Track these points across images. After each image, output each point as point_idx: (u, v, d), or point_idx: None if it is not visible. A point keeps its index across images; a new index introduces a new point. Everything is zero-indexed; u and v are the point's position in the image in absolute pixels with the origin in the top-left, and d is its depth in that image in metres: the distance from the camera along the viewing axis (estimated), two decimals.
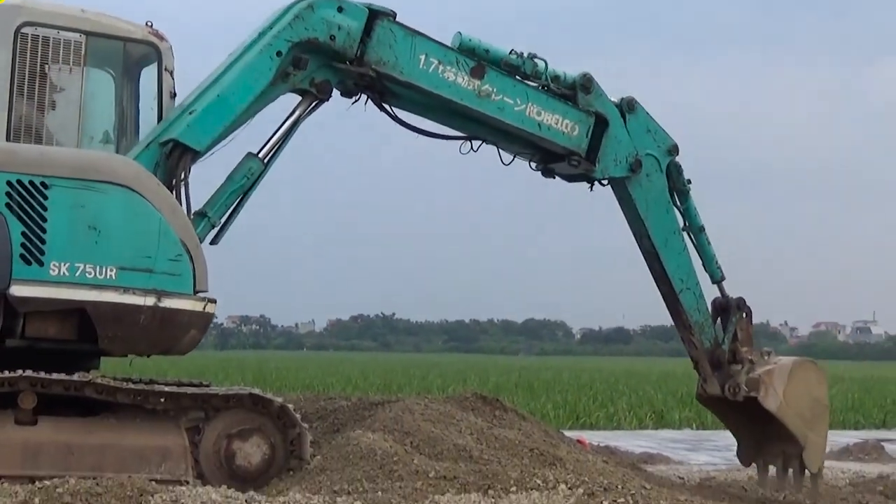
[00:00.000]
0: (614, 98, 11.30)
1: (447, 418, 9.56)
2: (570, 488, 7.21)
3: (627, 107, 11.27)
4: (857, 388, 38.67)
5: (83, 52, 9.00)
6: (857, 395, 33.71)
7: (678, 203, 11.58)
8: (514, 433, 9.65)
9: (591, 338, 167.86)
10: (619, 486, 7.37)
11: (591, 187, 11.51)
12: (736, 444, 12.27)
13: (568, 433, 13.67)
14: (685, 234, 11.67)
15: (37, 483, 6.84)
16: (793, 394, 11.22)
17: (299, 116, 9.80)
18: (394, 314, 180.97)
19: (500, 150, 11.08)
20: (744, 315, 11.84)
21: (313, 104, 9.86)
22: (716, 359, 11.50)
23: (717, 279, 11.90)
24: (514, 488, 7.19)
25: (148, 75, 9.66)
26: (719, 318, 11.83)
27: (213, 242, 9.43)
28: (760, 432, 11.61)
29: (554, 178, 11.51)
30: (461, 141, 10.91)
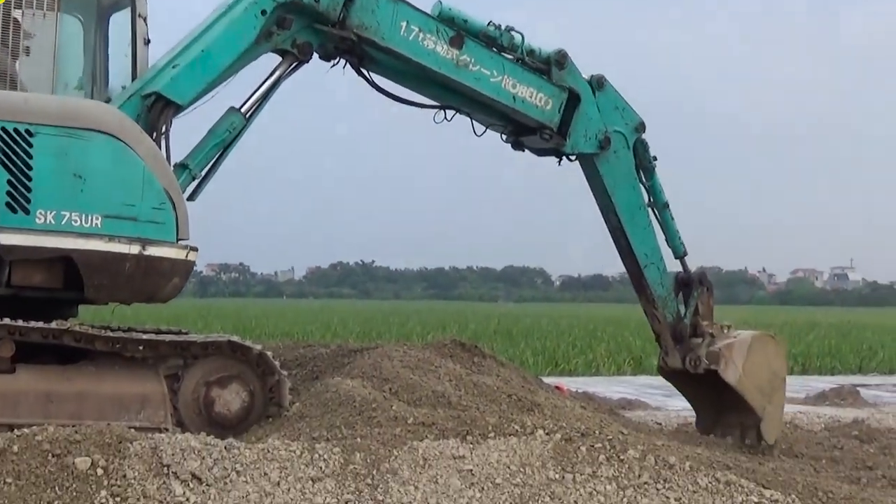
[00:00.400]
0: (585, 75, 11.35)
1: (426, 365, 9.59)
2: (547, 434, 7.25)
3: (597, 84, 11.38)
4: (834, 334, 38.93)
5: None
6: (833, 341, 33.93)
7: (644, 179, 11.73)
8: (492, 380, 9.69)
9: (570, 285, 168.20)
10: (597, 432, 7.42)
11: (560, 161, 11.61)
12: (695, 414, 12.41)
13: (546, 380, 13.74)
14: (650, 210, 11.75)
15: (15, 431, 6.83)
16: (752, 366, 11.35)
17: (280, 76, 9.82)
18: (373, 262, 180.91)
19: (474, 121, 11.16)
20: (705, 290, 11.98)
21: (293, 65, 9.87)
22: (678, 332, 11.62)
23: (680, 254, 12.03)
24: (492, 434, 7.22)
25: (118, 21, 9.59)
26: (681, 293, 11.91)
27: (190, 199, 9.41)
28: (719, 404, 11.73)
29: (524, 150, 11.63)
30: (435, 110, 10.95)
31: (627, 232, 11.53)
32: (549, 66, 10.97)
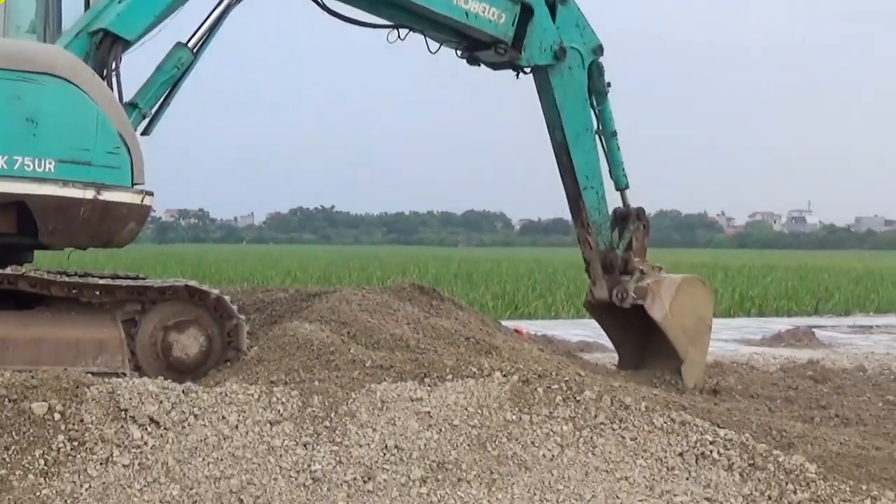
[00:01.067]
0: None
1: (384, 308, 9.62)
2: (504, 376, 7.29)
3: None
4: (791, 276, 39.31)
5: None
6: (790, 283, 34.28)
7: (595, 104, 11.73)
8: (450, 323, 9.73)
9: (530, 229, 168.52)
10: (554, 374, 7.46)
11: (518, 75, 11.60)
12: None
13: (506, 323, 13.82)
14: (597, 137, 11.77)
15: None
16: (679, 307, 11.36)
17: (227, 6, 9.70)
18: (333, 207, 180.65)
19: (427, 39, 11.11)
20: (642, 226, 11.99)
21: None
22: (608, 262, 11.68)
23: (622, 186, 12.07)
24: (449, 376, 7.25)
25: None
26: (617, 228, 11.97)
27: (144, 133, 9.35)
28: (642, 344, 11.76)
29: (479, 66, 11.60)
30: (389, 30, 10.91)
31: (571, 151, 11.53)
32: None
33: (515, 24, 11.04)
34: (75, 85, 8.26)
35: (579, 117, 11.60)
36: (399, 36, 10.99)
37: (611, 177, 12.03)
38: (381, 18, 10.85)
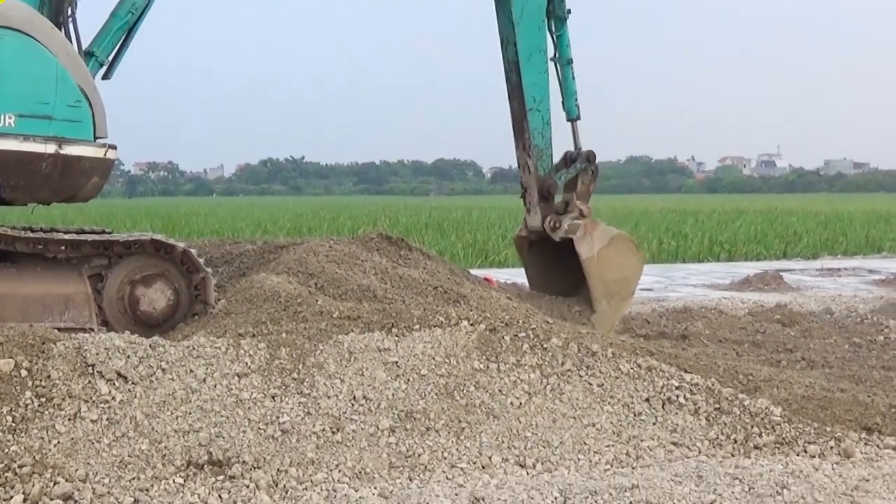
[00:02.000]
0: None
1: (352, 259, 9.60)
2: (472, 324, 7.31)
3: None
4: (760, 220, 39.50)
5: None
6: (759, 227, 34.45)
7: (553, 29, 11.62)
8: (418, 272, 9.72)
9: (501, 177, 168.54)
10: (521, 321, 7.49)
11: None
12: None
13: (477, 272, 13.83)
14: (552, 63, 11.69)
15: None
16: (606, 257, 11.29)
17: None
18: (303, 157, 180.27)
19: None
20: (590, 171, 11.88)
21: None
22: (546, 188, 11.56)
23: (574, 116, 11.96)
24: (417, 326, 7.26)
25: None
26: (565, 169, 11.87)
27: (105, 77, 9.26)
28: (561, 287, 11.71)
29: None
30: None
31: (521, 70, 11.41)
32: None
33: None
34: (33, 38, 8.16)
35: (534, 36, 11.49)
36: None
37: (563, 107, 11.93)
38: None
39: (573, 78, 11.86)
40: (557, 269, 11.59)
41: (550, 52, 11.66)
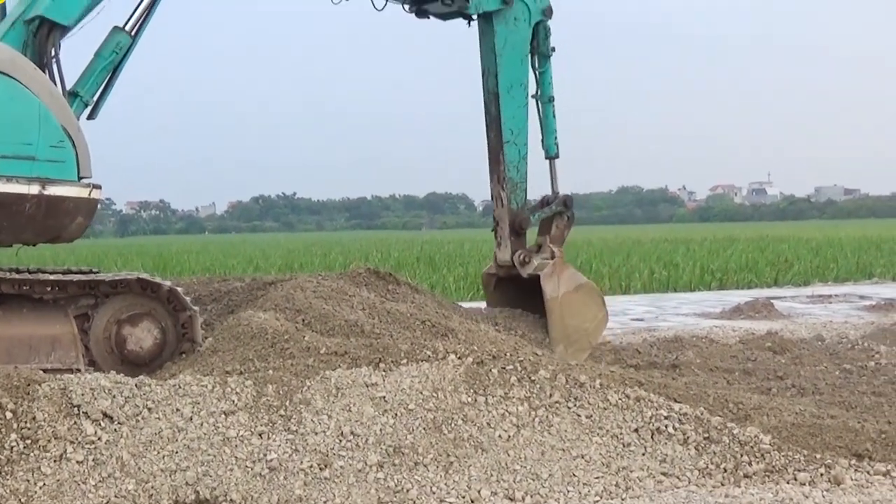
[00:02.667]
0: None
1: (339, 294, 9.58)
2: (459, 358, 7.29)
3: None
4: (752, 248, 39.53)
5: None
6: (750, 255, 34.47)
7: (536, 65, 11.63)
8: (406, 306, 9.71)
9: (492, 209, 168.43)
10: (508, 354, 7.47)
11: (469, 23, 11.56)
12: None
13: (469, 305, 13.80)
14: (533, 101, 11.70)
15: None
16: (570, 302, 11.21)
17: None
18: (295, 193, 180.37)
19: None
20: (566, 217, 11.84)
21: None
22: (518, 223, 11.50)
23: (552, 154, 11.92)
24: (404, 360, 7.24)
25: None
26: (540, 211, 11.81)
27: (90, 118, 9.27)
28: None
29: (428, 17, 11.51)
30: None
31: (501, 101, 11.40)
32: None
33: None
34: (15, 79, 8.16)
35: (515, 69, 11.49)
36: None
37: (542, 145, 11.87)
38: None
39: (554, 116, 11.85)
40: (522, 309, 11.51)
41: (532, 88, 11.68)
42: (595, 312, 11.48)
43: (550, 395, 7.06)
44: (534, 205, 11.79)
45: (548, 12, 11.61)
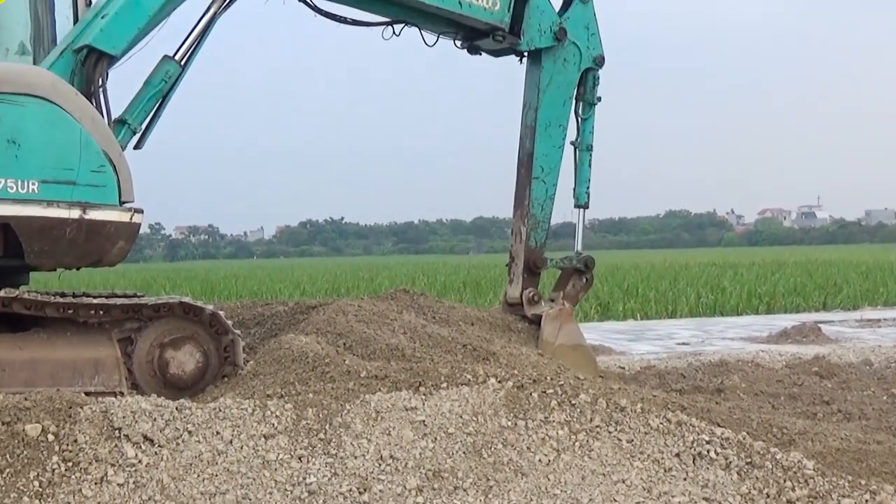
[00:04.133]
0: None
1: (381, 318, 9.60)
2: (499, 382, 7.27)
3: None
4: (800, 272, 39.18)
5: None
6: (799, 279, 34.16)
7: (580, 112, 11.65)
8: (447, 330, 9.70)
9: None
10: (549, 378, 7.44)
11: (521, 60, 11.56)
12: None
13: None
14: (572, 146, 11.68)
15: None
16: (562, 355, 10.99)
17: (213, 15, 9.68)
18: (342, 218, 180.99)
19: (423, 33, 11.06)
20: (584, 279, 11.83)
21: (227, 1, 9.74)
22: (533, 261, 11.52)
23: (582, 203, 11.92)
24: (444, 384, 7.24)
25: None
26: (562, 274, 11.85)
27: (136, 147, 9.37)
28: None
29: (480, 54, 11.53)
30: (383, 27, 10.87)
31: (536, 137, 11.40)
32: None
33: (511, 8, 10.96)
34: (57, 104, 8.25)
35: (557, 109, 11.50)
36: (394, 32, 10.94)
37: (573, 193, 11.93)
38: (374, 14, 10.83)
39: (589, 165, 11.85)
40: None
41: (572, 134, 11.68)
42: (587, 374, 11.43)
43: (591, 420, 7.02)
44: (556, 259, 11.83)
45: (599, 61, 11.60)
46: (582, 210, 11.97)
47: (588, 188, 11.86)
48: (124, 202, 8.54)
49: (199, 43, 9.64)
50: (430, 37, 11.14)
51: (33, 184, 8.15)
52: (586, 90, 11.66)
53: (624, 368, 13.47)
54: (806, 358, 13.90)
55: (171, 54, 9.48)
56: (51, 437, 6.41)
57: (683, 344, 17.59)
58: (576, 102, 11.65)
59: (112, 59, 9.08)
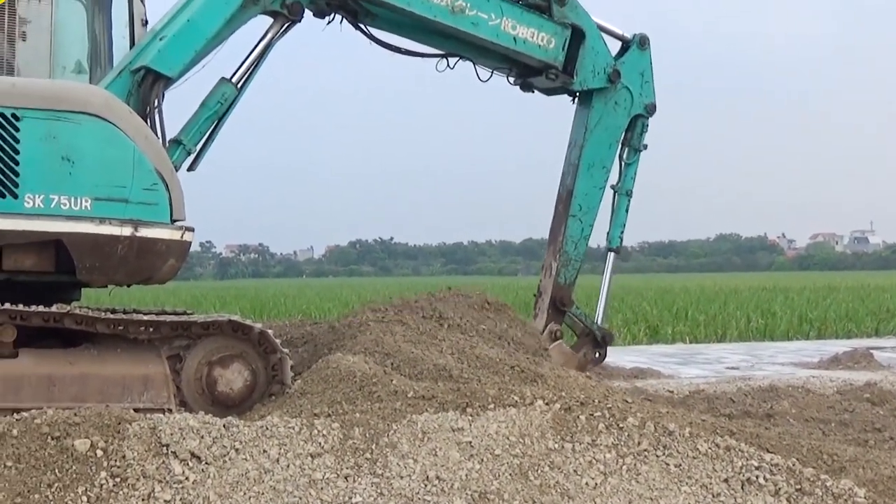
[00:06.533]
0: (628, 34, 11.55)
1: (428, 339, 9.59)
2: (547, 404, 7.24)
3: (640, 42, 11.51)
4: (851, 297, 38.80)
5: None
6: (851, 304, 33.83)
7: (625, 156, 11.73)
8: (495, 352, 9.68)
9: (589, 255, 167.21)
10: (597, 401, 7.41)
11: (574, 100, 11.58)
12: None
13: None
14: (612, 192, 11.77)
15: (14, 415, 6.86)
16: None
17: (271, 39, 9.76)
18: (392, 238, 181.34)
19: (477, 67, 11.09)
20: (597, 353, 11.98)
21: (285, 26, 9.80)
22: (560, 298, 11.58)
23: (614, 247, 12.07)
24: (491, 405, 7.22)
25: (120, 3, 9.59)
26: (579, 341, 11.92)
27: (190, 169, 9.44)
28: None
29: (533, 91, 11.59)
30: (438, 59, 10.90)
31: (578, 176, 11.47)
32: (549, 4, 10.89)
33: (566, 48, 10.98)
34: (111, 122, 8.33)
35: (602, 150, 11.56)
36: (448, 64, 10.98)
37: (607, 236, 12.05)
38: (429, 47, 10.86)
39: (626, 211, 11.97)
40: None
41: (613, 178, 11.73)
42: None
43: (639, 443, 6.98)
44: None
45: (650, 108, 11.67)
46: (613, 254, 12.01)
47: (622, 233, 12.00)
48: (176, 220, 8.60)
49: (256, 66, 9.71)
50: (484, 72, 11.21)
51: (86, 201, 8.23)
52: (634, 136, 11.73)
53: (672, 392, 13.37)
54: (857, 384, 13.74)
55: (229, 77, 9.55)
56: (99, 453, 6.46)
57: (733, 368, 17.46)
58: (621, 147, 11.71)
59: (168, 81, 9.17)
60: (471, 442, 6.86)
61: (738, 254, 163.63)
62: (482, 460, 6.75)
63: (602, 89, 11.31)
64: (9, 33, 8.87)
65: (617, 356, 18.61)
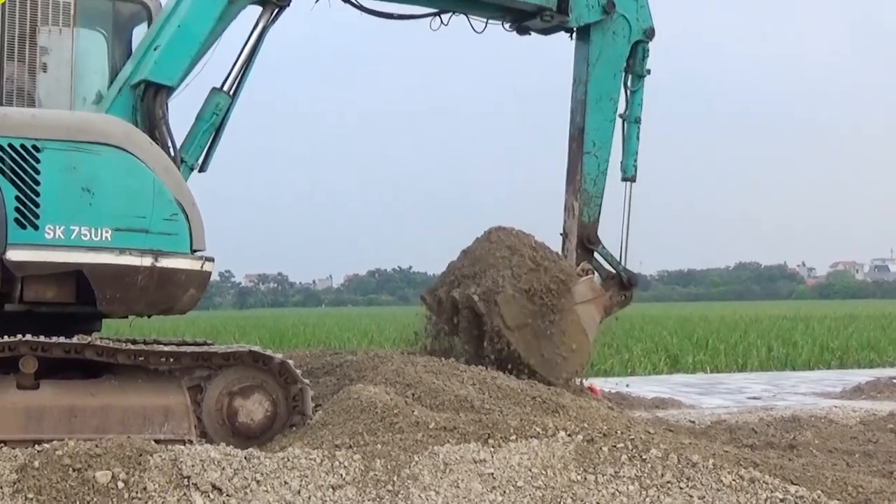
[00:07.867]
0: None
1: (450, 369, 9.56)
2: (569, 435, 7.21)
3: None
4: (873, 326, 38.58)
5: (72, 12, 8.96)
6: (873, 333, 33.62)
7: (629, 84, 11.61)
8: (517, 382, 9.63)
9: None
10: (619, 432, 7.36)
11: (571, 36, 11.58)
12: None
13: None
14: (621, 120, 11.64)
15: (36, 446, 6.86)
16: (585, 313, 11.04)
17: (262, 29, 9.78)
18: (411, 267, 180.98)
19: (471, 20, 11.12)
20: (624, 296, 11.86)
21: (275, 13, 9.82)
22: (587, 236, 11.44)
23: (629, 176, 11.88)
24: (513, 437, 7.18)
25: (140, 34, 9.63)
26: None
27: (201, 171, 9.50)
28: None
29: (530, 34, 11.56)
30: (430, 18, 10.96)
31: (587, 111, 11.42)
32: None
33: None
34: (131, 153, 8.38)
35: (607, 82, 11.52)
36: (442, 21, 11.04)
37: (621, 165, 11.89)
38: (420, 6, 10.95)
39: (637, 138, 11.85)
40: None
41: (621, 107, 11.66)
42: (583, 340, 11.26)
43: (662, 475, 6.93)
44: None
45: (649, 33, 11.64)
46: (629, 183, 11.92)
47: (636, 161, 11.84)
48: (196, 250, 8.61)
49: (247, 68, 9.74)
50: (479, 24, 11.22)
51: (106, 231, 8.26)
52: (636, 62, 11.65)
53: (694, 422, 13.28)
54: (881, 414, 13.63)
55: (219, 86, 9.59)
56: (121, 485, 6.45)
57: (755, 398, 17.33)
58: (625, 75, 11.66)
59: (170, 90, 9.22)
60: (493, 474, 6.83)
61: (758, 282, 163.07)
62: (504, 492, 6.72)
63: (599, 21, 11.31)
64: (30, 65, 8.92)
65: (638, 386, 18.54)
